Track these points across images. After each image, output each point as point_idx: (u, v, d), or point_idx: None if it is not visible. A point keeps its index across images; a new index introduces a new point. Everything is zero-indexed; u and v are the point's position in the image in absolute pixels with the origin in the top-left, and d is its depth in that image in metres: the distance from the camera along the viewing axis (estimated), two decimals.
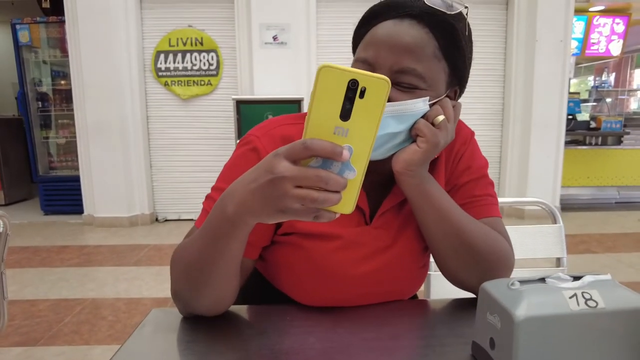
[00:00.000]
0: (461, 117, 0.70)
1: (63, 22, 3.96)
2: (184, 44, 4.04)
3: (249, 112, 3.70)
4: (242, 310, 0.71)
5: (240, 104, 3.70)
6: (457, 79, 0.67)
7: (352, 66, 0.64)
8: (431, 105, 0.62)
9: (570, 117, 4.50)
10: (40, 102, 4.46)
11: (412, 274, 0.74)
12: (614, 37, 5.47)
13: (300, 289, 0.71)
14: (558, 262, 1.15)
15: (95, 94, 3.86)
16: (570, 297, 0.45)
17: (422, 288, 0.85)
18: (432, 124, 0.61)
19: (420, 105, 0.60)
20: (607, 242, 3.51)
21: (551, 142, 4.13)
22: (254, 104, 3.74)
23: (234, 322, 0.67)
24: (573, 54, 5.01)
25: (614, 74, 7.36)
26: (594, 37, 5.44)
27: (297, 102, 3.70)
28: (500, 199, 0.82)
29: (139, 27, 3.99)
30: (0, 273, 1.07)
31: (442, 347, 0.59)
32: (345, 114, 0.42)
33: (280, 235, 0.69)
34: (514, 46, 4.10)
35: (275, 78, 3.88)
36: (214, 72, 4.07)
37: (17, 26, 4.24)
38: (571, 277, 0.48)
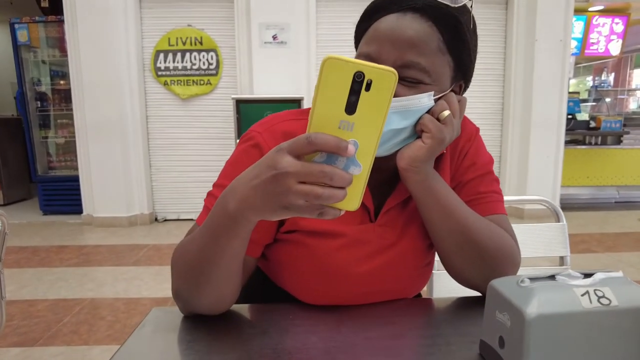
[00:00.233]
0: None
1: (62, 21, 3.95)
2: (184, 44, 4.03)
3: (248, 112, 3.68)
4: (243, 309, 0.69)
5: (239, 104, 3.69)
6: (462, 73, 0.65)
7: None
8: (436, 100, 0.60)
9: (570, 116, 4.50)
10: (39, 102, 4.44)
11: (417, 272, 0.73)
12: (613, 37, 5.47)
13: (303, 287, 0.69)
14: (561, 260, 1.14)
15: (95, 93, 3.85)
16: (582, 295, 0.43)
17: (424, 287, 0.84)
18: (438, 119, 0.59)
19: (425, 100, 0.58)
20: (607, 242, 3.50)
21: (551, 141, 4.13)
22: (254, 103, 3.72)
23: (236, 321, 0.65)
24: (572, 54, 5.01)
25: (613, 73, 7.37)
26: (593, 36, 5.44)
27: (297, 102, 3.69)
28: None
29: (138, 26, 3.97)
30: None
31: (448, 346, 0.58)
32: (351, 108, 0.41)
33: (283, 233, 0.68)
34: (514, 46, 4.10)
35: (275, 77, 3.87)
36: (214, 72, 4.06)
37: (16, 25, 4.22)
38: (582, 274, 0.47)
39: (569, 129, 4.45)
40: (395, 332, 0.62)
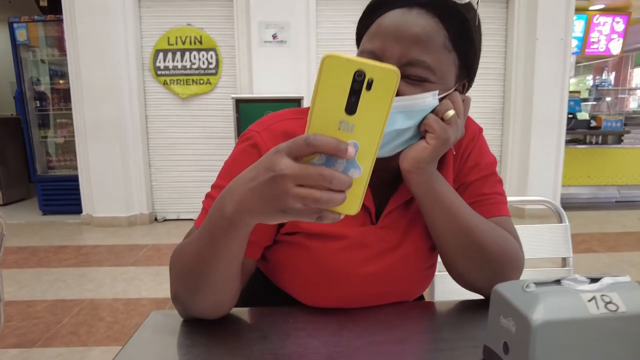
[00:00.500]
0: None
1: (61, 20, 3.93)
2: (183, 43, 4.01)
3: (248, 111, 3.67)
4: (243, 312, 0.68)
5: (239, 103, 3.68)
6: (467, 72, 0.64)
7: None
8: (440, 100, 0.59)
9: (570, 116, 4.49)
10: (38, 102, 4.42)
11: (419, 275, 0.72)
12: (614, 35, 5.47)
13: (304, 290, 0.69)
14: (564, 262, 1.13)
15: (94, 93, 3.83)
16: (589, 301, 0.43)
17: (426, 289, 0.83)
18: (442, 119, 0.58)
19: (429, 99, 0.57)
20: (609, 242, 3.50)
21: (552, 141, 4.12)
22: (254, 102, 3.71)
23: (236, 325, 0.65)
24: (573, 53, 5.00)
25: (613, 72, 7.36)
26: (594, 35, 5.44)
27: (297, 101, 3.68)
28: None
29: (137, 25, 3.96)
30: None
31: (451, 350, 0.57)
32: (351, 108, 0.39)
33: (284, 235, 0.67)
34: (515, 44, 4.09)
35: (274, 77, 3.85)
36: (213, 71, 4.05)
37: (15, 25, 4.21)
38: (588, 278, 0.46)
39: (570, 128, 4.44)
40: (399, 336, 0.61)
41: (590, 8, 5.29)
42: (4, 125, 4.96)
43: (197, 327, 0.63)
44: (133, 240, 3.59)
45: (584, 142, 4.79)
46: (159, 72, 4.04)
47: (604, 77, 6.58)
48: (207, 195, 0.65)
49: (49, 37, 4.28)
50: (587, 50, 5.49)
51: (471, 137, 0.72)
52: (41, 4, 4.54)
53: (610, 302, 0.42)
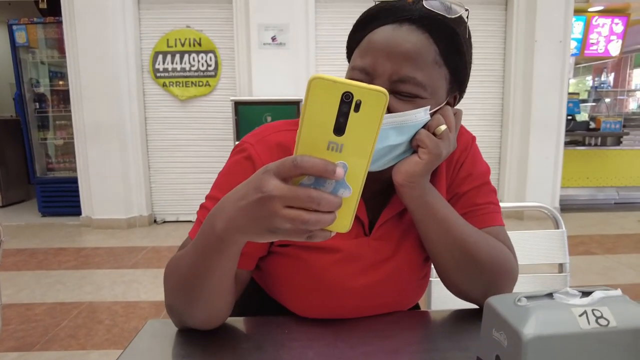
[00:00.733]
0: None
1: (60, 22, 3.94)
2: (182, 45, 4.02)
3: (247, 113, 3.68)
4: (238, 322, 0.69)
5: (238, 105, 3.68)
6: (458, 85, 0.65)
7: (348, 74, 0.62)
8: (432, 114, 0.59)
9: (569, 117, 4.49)
10: (37, 103, 4.43)
11: (413, 285, 0.72)
12: (613, 37, 5.46)
13: (298, 301, 0.69)
14: (560, 267, 1.14)
15: (93, 94, 3.84)
16: (580, 315, 0.43)
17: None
18: (434, 134, 0.58)
19: (421, 115, 0.57)
20: (607, 244, 3.50)
21: (551, 142, 4.12)
22: (253, 105, 3.72)
23: (231, 335, 0.65)
24: (572, 54, 5.00)
25: (612, 74, 7.36)
26: (593, 37, 5.44)
27: (296, 104, 3.68)
28: (501, 204, 0.80)
29: (136, 27, 3.96)
30: None
31: None
32: (339, 129, 0.39)
33: (278, 246, 0.67)
34: (513, 46, 4.09)
35: (273, 79, 3.86)
36: (212, 73, 4.05)
37: (14, 27, 4.21)
38: (580, 292, 0.47)
39: (569, 130, 4.44)
40: (393, 346, 0.61)
41: (589, 9, 5.29)
42: (4, 127, 4.97)
43: (193, 337, 0.63)
44: (132, 242, 3.59)
45: (583, 143, 4.80)
46: (158, 74, 4.05)
47: (603, 78, 6.58)
48: (202, 207, 0.65)
49: (48, 39, 4.28)
50: (586, 51, 5.49)
51: (464, 146, 0.72)
52: (40, 6, 4.54)
53: (601, 317, 0.43)
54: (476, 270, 0.64)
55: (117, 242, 3.59)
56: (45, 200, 4.40)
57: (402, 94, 0.58)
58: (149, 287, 2.65)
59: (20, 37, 4.23)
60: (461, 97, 0.67)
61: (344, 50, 0.68)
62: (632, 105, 7.12)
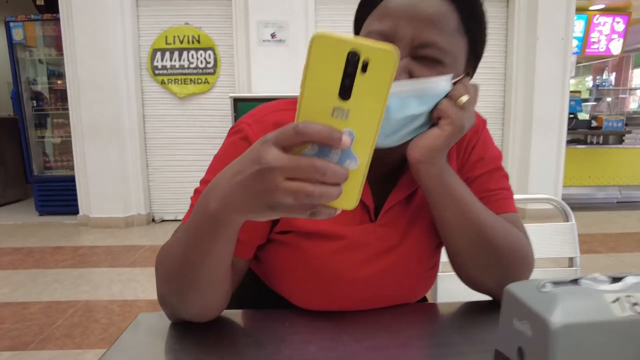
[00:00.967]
0: None
1: (58, 19, 3.88)
2: (181, 42, 3.98)
3: (246, 110, 3.57)
4: (236, 315, 0.65)
5: (237, 102, 3.64)
6: (474, 59, 0.61)
7: None
8: (453, 85, 0.56)
9: (571, 116, 4.46)
10: (35, 101, 4.38)
11: (421, 276, 0.68)
12: (614, 35, 5.44)
13: (298, 293, 0.64)
14: (571, 261, 1.10)
15: (91, 92, 3.79)
16: (613, 302, 0.39)
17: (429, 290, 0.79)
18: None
19: (443, 83, 0.54)
20: (610, 242, 3.46)
21: (552, 141, 4.09)
22: (252, 102, 3.67)
23: (228, 329, 0.61)
24: (573, 53, 4.97)
25: (614, 73, 7.34)
26: (594, 35, 5.42)
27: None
28: None
29: (135, 24, 3.92)
30: None
31: (458, 355, 0.53)
32: (345, 92, 0.35)
33: (277, 234, 0.63)
34: (515, 44, 4.06)
35: (273, 76, 3.82)
36: (211, 70, 4.01)
37: (11, 24, 4.16)
38: (609, 277, 0.43)
39: (571, 129, 4.41)
40: (401, 340, 0.57)
41: (591, 8, 5.27)
42: (1, 126, 4.93)
43: (187, 331, 0.59)
44: (130, 241, 3.54)
45: (584, 142, 4.77)
46: (156, 72, 4.00)
47: (604, 77, 6.56)
48: (195, 191, 0.61)
49: (45, 37, 4.24)
50: (587, 50, 5.47)
51: (475, 129, 0.68)
52: (38, 3, 4.50)
53: (637, 304, 0.39)
54: (493, 256, 0.60)
55: (115, 241, 3.54)
56: (43, 199, 4.36)
57: (424, 59, 0.54)
58: (146, 285, 2.61)
59: (18, 34, 4.19)
60: (472, 76, 0.64)
61: None
62: (633, 104, 7.10)
